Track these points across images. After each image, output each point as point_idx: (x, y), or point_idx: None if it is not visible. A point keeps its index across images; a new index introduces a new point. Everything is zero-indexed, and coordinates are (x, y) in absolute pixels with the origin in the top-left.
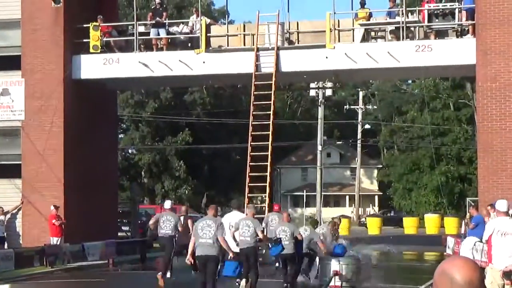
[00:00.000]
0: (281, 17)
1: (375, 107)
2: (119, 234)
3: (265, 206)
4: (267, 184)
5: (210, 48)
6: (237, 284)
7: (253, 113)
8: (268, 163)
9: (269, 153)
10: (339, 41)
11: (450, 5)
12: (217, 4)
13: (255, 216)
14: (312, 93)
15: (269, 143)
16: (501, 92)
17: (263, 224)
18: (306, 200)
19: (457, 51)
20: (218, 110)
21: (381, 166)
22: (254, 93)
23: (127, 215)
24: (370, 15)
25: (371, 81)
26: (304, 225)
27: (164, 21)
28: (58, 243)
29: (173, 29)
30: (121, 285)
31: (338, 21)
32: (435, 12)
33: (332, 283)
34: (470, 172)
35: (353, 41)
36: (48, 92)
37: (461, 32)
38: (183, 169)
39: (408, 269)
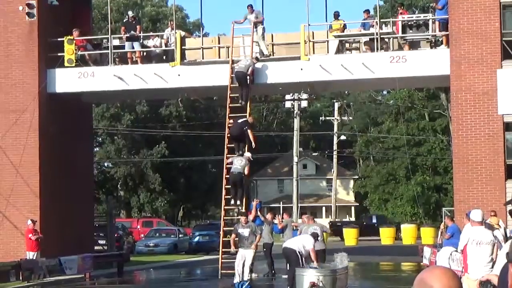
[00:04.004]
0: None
1: (350, 118)
2: (95, 247)
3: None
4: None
5: (185, 60)
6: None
7: (229, 125)
8: None
9: None
10: (313, 52)
11: (423, 16)
12: (191, 17)
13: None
14: (288, 104)
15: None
16: (475, 102)
17: None
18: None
19: (431, 62)
20: (194, 122)
21: (357, 177)
22: (230, 105)
23: (103, 229)
24: (345, 26)
25: (346, 92)
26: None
27: (139, 35)
28: (34, 257)
29: (148, 42)
30: None
31: (313, 33)
32: (409, 23)
33: None
34: (446, 182)
35: (328, 52)
36: (23, 106)
37: (435, 43)
38: (158, 182)
39: (385, 279)
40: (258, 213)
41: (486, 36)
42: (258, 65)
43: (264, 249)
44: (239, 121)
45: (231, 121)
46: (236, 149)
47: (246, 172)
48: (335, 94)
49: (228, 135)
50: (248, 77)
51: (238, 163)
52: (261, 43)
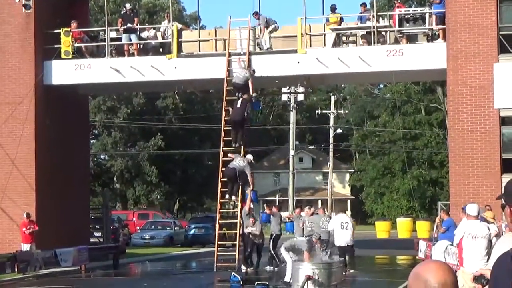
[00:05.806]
0: (253, 22)
1: (346, 111)
2: (91, 240)
3: (237, 211)
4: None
5: (182, 53)
6: None
7: (225, 118)
8: None
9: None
10: (310, 46)
11: (420, 10)
12: (188, 9)
13: None
14: (284, 98)
15: (241, 148)
16: (471, 96)
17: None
18: (279, 204)
19: (428, 56)
20: (190, 115)
21: (353, 170)
22: (226, 98)
23: (99, 221)
24: (341, 20)
25: (342, 85)
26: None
27: (136, 27)
28: (28, 249)
29: (145, 34)
30: None
31: (310, 26)
32: (406, 16)
33: None
34: (442, 175)
35: (325, 46)
36: (19, 98)
37: (431, 37)
38: (155, 174)
39: (381, 273)
40: (265, 208)
41: (482, 30)
42: (255, 58)
43: (271, 240)
44: (238, 105)
45: (229, 109)
46: (233, 140)
47: (249, 178)
48: (332, 87)
49: (227, 118)
50: (248, 89)
51: (239, 163)
52: (265, 36)
